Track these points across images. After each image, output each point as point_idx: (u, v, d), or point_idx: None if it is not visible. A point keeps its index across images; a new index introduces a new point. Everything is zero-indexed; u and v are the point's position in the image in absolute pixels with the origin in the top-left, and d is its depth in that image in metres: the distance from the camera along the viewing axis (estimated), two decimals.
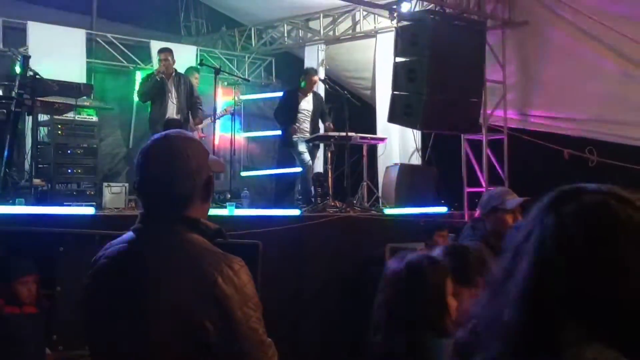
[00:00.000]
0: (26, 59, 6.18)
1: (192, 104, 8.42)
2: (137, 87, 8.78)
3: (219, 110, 8.48)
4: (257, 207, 7.58)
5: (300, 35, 11.07)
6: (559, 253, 1.27)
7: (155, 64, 8.67)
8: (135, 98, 9.13)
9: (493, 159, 9.13)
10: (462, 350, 2.05)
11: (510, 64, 9.01)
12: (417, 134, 9.62)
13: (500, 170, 9.10)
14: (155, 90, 8.14)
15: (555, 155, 8.37)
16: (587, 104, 8.16)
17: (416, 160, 9.72)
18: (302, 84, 8.61)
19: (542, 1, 8.42)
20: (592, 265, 1.25)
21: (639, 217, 1.28)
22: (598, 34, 7.91)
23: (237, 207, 6.90)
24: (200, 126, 8.65)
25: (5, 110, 6.02)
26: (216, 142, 8.48)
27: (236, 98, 9.87)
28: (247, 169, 10.89)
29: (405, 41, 7.86)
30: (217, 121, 8.39)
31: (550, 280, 1.27)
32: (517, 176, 8.53)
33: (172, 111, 8.19)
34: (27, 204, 5.69)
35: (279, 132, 8.81)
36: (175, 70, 8.32)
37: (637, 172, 7.52)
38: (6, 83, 6.17)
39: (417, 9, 8.41)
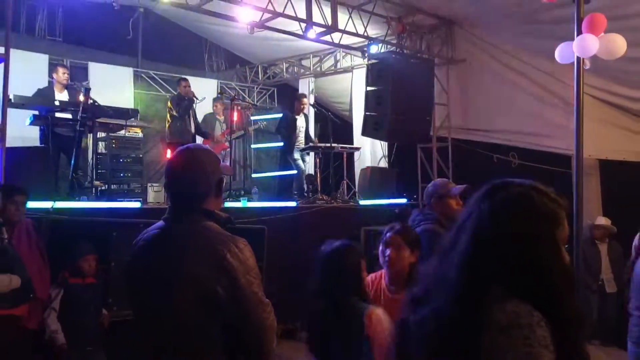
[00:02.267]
0: (87, 90, 6.08)
1: (197, 123, 8.11)
2: (170, 106, 7.76)
3: (235, 127, 8.27)
4: (264, 201, 7.40)
5: (295, 70, 11.08)
6: (491, 230, 1.30)
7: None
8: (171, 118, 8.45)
9: (441, 162, 9.22)
10: (415, 301, 2.07)
11: (453, 91, 9.06)
12: (384, 144, 9.68)
13: (446, 170, 9.17)
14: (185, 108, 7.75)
15: (487, 158, 8.43)
16: (511, 120, 8.18)
17: (383, 163, 9.70)
18: (295, 105, 8.52)
19: (476, 44, 8.48)
20: (514, 239, 1.28)
21: (551, 204, 1.33)
22: (518, 68, 7.95)
23: (248, 201, 6.84)
24: (233, 136, 8.08)
25: (72, 130, 6.00)
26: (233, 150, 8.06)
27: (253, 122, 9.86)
28: (256, 171, 10.78)
29: (374, 75, 7.95)
30: (234, 134, 8.12)
31: (483, 250, 1.29)
32: (459, 174, 8.51)
33: (192, 125, 7.81)
34: (89, 200, 5.66)
35: (280, 144, 8.71)
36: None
37: (548, 171, 7.47)
38: (73, 109, 6.06)
39: (382, 50, 8.47)
